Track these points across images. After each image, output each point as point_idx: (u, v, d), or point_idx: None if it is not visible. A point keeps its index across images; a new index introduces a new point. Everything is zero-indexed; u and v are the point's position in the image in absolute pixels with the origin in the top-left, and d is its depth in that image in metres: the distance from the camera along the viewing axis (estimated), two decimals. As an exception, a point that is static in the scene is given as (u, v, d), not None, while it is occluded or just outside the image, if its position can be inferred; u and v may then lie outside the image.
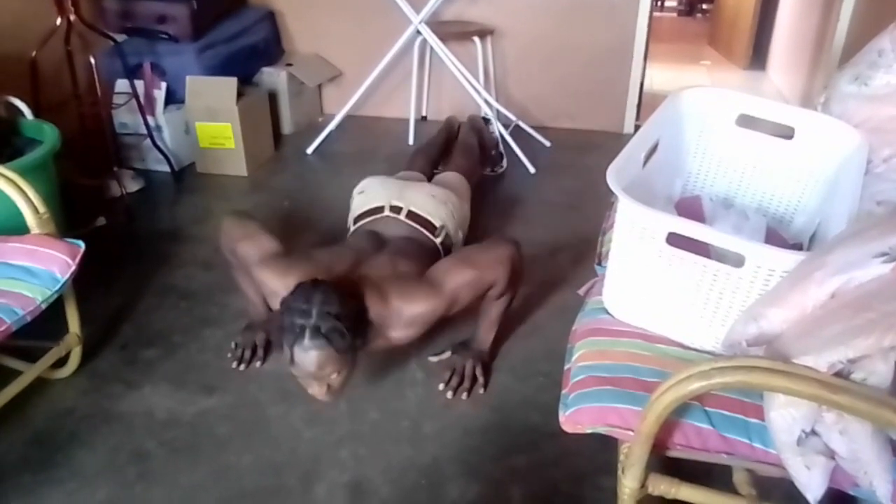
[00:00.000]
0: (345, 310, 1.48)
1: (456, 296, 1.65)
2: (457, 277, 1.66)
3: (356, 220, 2.08)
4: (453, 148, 2.87)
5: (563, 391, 1.27)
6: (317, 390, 1.53)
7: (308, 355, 1.45)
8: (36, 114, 2.49)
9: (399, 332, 1.64)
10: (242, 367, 1.91)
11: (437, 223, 2.02)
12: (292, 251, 1.76)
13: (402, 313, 1.61)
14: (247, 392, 1.84)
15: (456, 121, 3.09)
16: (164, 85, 3.11)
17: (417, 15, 3.25)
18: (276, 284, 1.64)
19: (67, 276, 1.65)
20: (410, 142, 3.55)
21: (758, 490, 1.18)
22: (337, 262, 1.71)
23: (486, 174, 3.08)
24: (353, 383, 1.85)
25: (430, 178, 2.41)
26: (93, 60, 2.73)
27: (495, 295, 1.77)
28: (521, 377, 1.89)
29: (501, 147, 3.19)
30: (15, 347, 1.75)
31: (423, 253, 1.90)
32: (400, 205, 2.03)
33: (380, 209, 2.03)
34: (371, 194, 2.11)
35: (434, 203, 2.07)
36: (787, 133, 1.62)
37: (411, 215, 2.01)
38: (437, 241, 2.01)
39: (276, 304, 1.58)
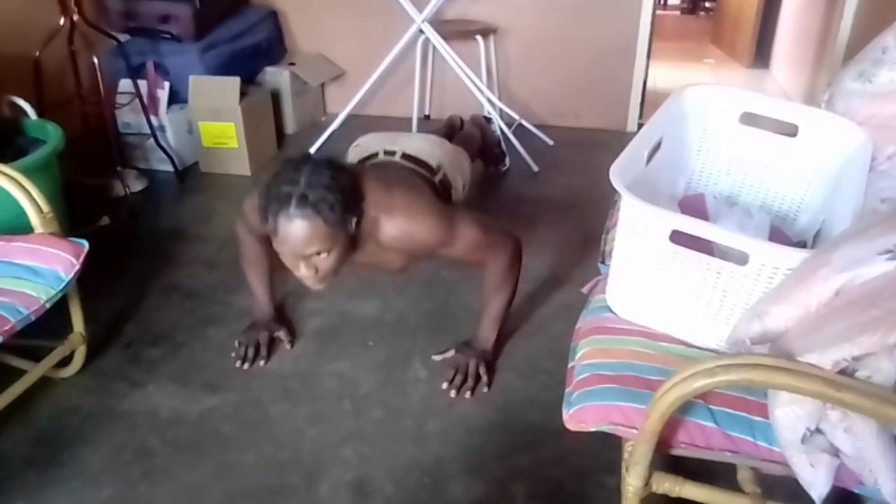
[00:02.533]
0: (337, 182, 1.42)
1: (455, 241, 1.63)
2: (467, 227, 1.64)
3: None
4: (454, 139, 2.86)
5: (567, 389, 1.26)
6: (304, 272, 1.48)
7: (293, 225, 1.39)
8: (39, 113, 2.50)
9: (388, 240, 1.58)
10: (246, 365, 1.92)
11: (434, 163, 1.98)
12: None
13: (402, 224, 1.57)
14: (250, 391, 1.84)
15: (458, 119, 3.08)
16: (167, 84, 3.11)
17: (420, 14, 3.24)
18: None
19: (71, 275, 1.65)
20: (413, 141, 3.54)
21: (762, 488, 1.18)
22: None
23: (489, 173, 3.08)
24: (357, 382, 1.85)
25: None
26: (96, 60, 2.73)
27: (493, 284, 1.78)
28: (524, 376, 1.89)
29: (504, 146, 3.18)
30: (19, 346, 1.76)
31: (427, 185, 1.86)
32: (394, 149, 1.99)
33: (374, 155, 2.00)
34: (364, 146, 2.08)
35: (428, 145, 2.04)
36: (790, 131, 1.62)
37: (406, 157, 1.96)
38: (436, 178, 1.96)
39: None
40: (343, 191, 1.44)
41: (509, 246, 1.76)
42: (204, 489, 1.55)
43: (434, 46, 3.43)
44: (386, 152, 1.98)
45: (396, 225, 1.58)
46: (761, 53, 5.23)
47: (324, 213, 1.40)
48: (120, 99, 3.06)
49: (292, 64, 3.67)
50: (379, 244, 1.62)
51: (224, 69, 3.22)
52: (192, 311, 2.18)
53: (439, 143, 2.11)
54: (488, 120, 3.18)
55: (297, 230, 1.40)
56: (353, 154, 2.10)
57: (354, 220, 1.51)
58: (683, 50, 5.83)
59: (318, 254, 1.46)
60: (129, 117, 3.12)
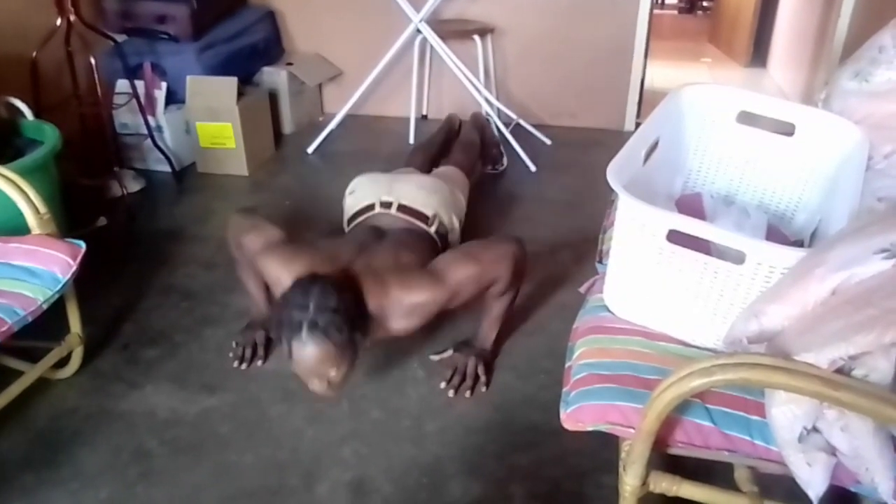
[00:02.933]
0: (343, 304, 1.48)
1: (457, 289, 1.65)
2: (460, 271, 1.66)
3: (349, 220, 2.09)
4: (454, 145, 2.87)
5: (565, 389, 1.27)
6: (317, 387, 1.53)
7: (306, 350, 1.45)
8: (36, 114, 2.50)
9: (399, 323, 1.64)
10: (244, 366, 1.92)
11: (429, 213, 2.01)
12: (295, 243, 1.77)
13: (403, 302, 1.61)
14: (248, 391, 1.84)
15: (457, 118, 3.09)
16: (164, 85, 3.11)
17: (417, 13, 3.25)
18: (280, 272, 1.65)
19: (68, 276, 1.65)
20: (411, 140, 3.55)
21: (759, 487, 1.18)
22: (339, 252, 1.72)
23: (487, 172, 3.08)
24: (355, 382, 1.85)
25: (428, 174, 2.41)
26: (93, 61, 2.73)
27: (497, 292, 1.77)
28: (522, 375, 1.89)
29: (502, 145, 3.18)
30: (17, 348, 1.76)
31: (421, 243, 1.90)
32: (390, 199, 2.02)
33: (371, 207, 2.03)
34: (361, 193, 2.11)
35: (424, 194, 2.07)
36: (787, 130, 1.62)
37: (402, 208, 2.00)
38: (432, 230, 2.00)
39: (279, 294, 1.59)
40: (348, 310, 1.50)
41: (509, 253, 1.74)
42: (202, 490, 1.55)
43: (431, 46, 3.44)
44: (382, 204, 2.01)
45: (400, 320, 1.64)
46: (759, 53, 5.24)
47: (333, 337, 1.46)
48: (117, 99, 3.06)
49: (290, 64, 3.67)
50: (389, 332, 1.67)
51: (221, 69, 3.22)
52: (189, 311, 2.17)
53: (435, 188, 2.13)
54: (486, 119, 3.18)
55: (309, 354, 1.46)
56: (350, 203, 2.13)
57: (361, 334, 1.56)
58: (681, 49, 5.84)
59: (330, 370, 1.51)
60: (126, 118, 3.12)
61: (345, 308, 1.48)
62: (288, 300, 1.49)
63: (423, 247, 1.88)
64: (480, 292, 1.75)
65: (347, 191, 2.19)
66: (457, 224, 2.15)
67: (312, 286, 1.48)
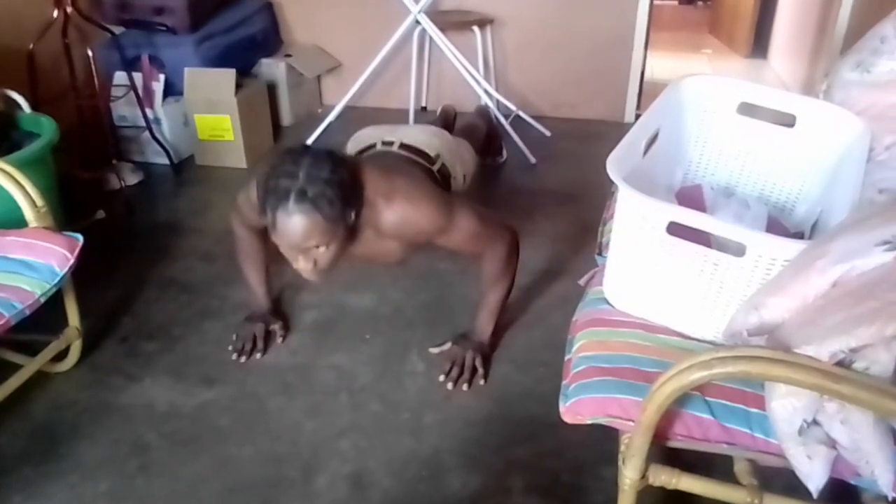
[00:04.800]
0: (336, 176, 1.41)
1: (453, 229, 1.62)
2: (465, 216, 1.64)
3: None
4: (454, 132, 2.85)
5: (564, 382, 1.26)
6: (302, 265, 1.48)
7: (292, 220, 1.38)
8: (34, 107, 2.48)
9: (388, 223, 1.57)
10: (243, 359, 1.91)
11: (432, 153, 1.97)
12: None
13: (401, 210, 1.56)
14: (247, 384, 1.83)
15: (452, 109, 3.07)
16: (162, 77, 3.09)
17: (416, 4, 3.23)
18: None
19: (66, 269, 1.64)
20: (410, 132, 3.53)
21: (759, 480, 1.18)
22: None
23: (487, 164, 3.07)
24: (354, 374, 1.85)
25: None
26: (90, 53, 2.72)
27: (491, 276, 1.78)
28: (521, 368, 1.88)
29: (502, 138, 3.17)
30: (15, 341, 1.76)
31: (424, 173, 1.85)
32: (391, 139, 1.98)
33: (372, 146, 1.99)
34: (362, 138, 2.07)
35: (426, 135, 2.03)
36: (788, 121, 1.61)
37: (404, 147, 1.96)
38: (434, 167, 1.95)
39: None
40: (342, 184, 1.43)
41: (506, 238, 1.76)
42: (201, 483, 1.55)
43: (430, 37, 3.42)
44: (384, 143, 1.98)
45: (395, 210, 1.57)
46: (759, 43, 5.21)
47: (323, 209, 1.39)
48: (115, 92, 3.05)
49: (288, 56, 3.65)
50: (377, 231, 1.61)
51: (219, 61, 3.20)
52: (188, 304, 2.17)
53: (438, 133, 2.10)
54: (487, 112, 3.17)
55: (295, 225, 1.39)
56: (351, 147, 2.10)
57: (353, 212, 1.51)
58: (681, 40, 5.81)
59: (317, 247, 1.46)
60: (124, 110, 3.11)
61: (339, 180, 1.40)
62: (276, 166, 1.40)
63: (428, 176, 1.84)
64: (463, 250, 1.73)
65: (351, 138, 2.14)
66: (461, 174, 2.09)
67: (304, 155, 1.41)
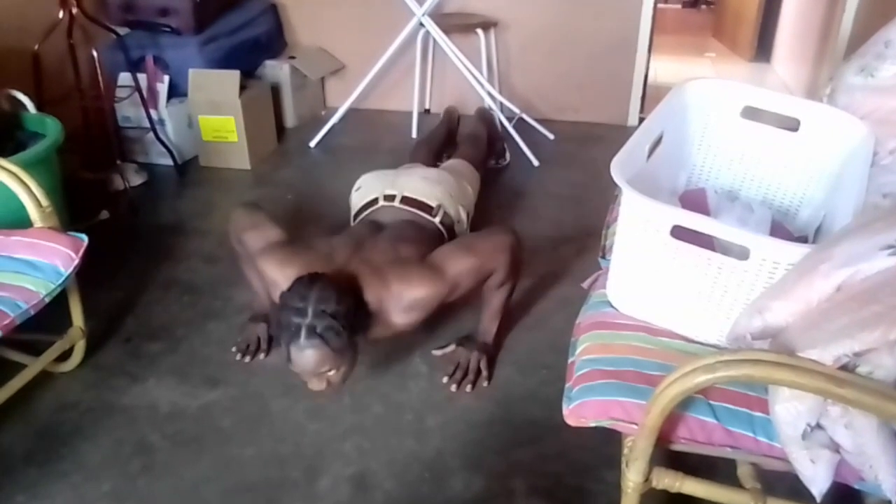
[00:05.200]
0: (342, 307, 1.47)
1: (457, 281, 1.65)
2: (458, 263, 1.66)
3: (356, 216, 2.10)
4: (458, 138, 2.86)
5: (567, 384, 1.26)
6: (316, 385, 1.54)
7: (304, 354, 1.46)
8: (39, 107, 2.49)
9: (399, 318, 1.64)
10: (246, 359, 1.92)
11: (433, 203, 2.01)
12: (294, 243, 1.77)
13: (403, 297, 1.61)
14: (250, 385, 1.84)
15: (455, 111, 3.08)
16: (166, 78, 3.10)
17: (420, 7, 3.23)
18: (276, 275, 1.65)
19: (71, 269, 1.65)
20: (413, 134, 3.54)
21: (762, 484, 1.18)
22: (337, 250, 1.71)
23: (490, 167, 3.08)
24: (356, 377, 1.85)
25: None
26: (95, 54, 2.73)
27: (496, 283, 1.78)
28: (524, 370, 1.89)
29: (504, 140, 3.18)
30: (19, 341, 1.76)
31: (423, 235, 1.89)
32: (393, 192, 2.03)
33: (374, 201, 2.04)
34: (366, 189, 2.12)
35: (427, 185, 2.07)
36: (792, 125, 1.61)
37: (406, 200, 2.00)
38: (436, 220, 2.00)
39: (276, 296, 1.59)
40: (348, 313, 1.49)
41: (506, 244, 1.74)
42: (204, 483, 1.55)
43: (434, 40, 3.42)
44: (386, 197, 2.02)
45: (400, 315, 1.63)
46: (763, 47, 5.21)
47: (331, 342, 1.46)
48: (119, 93, 3.06)
49: (292, 57, 3.66)
50: (389, 326, 1.66)
51: (224, 63, 3.21)
52: (191, 305, 2.17)
53: (440, 179, 2.13)
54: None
55: (307, 359, 1.46)
56: (356, 199, 2.14)
57: (360, 336, 1.56)
58: (685, 44, 5.81)
59: (329, 371, 1.51)
60: (128, 111, 3.11)
61: (344, 311, 1.48)
62: (286, 303, 1.48)
63: (426, 238, 1.88)
64: (479, 283, 1.75)
65: (354, 188, 2.20)
66: (464, 215, 2.14)
67: (310, 289, 1.47)
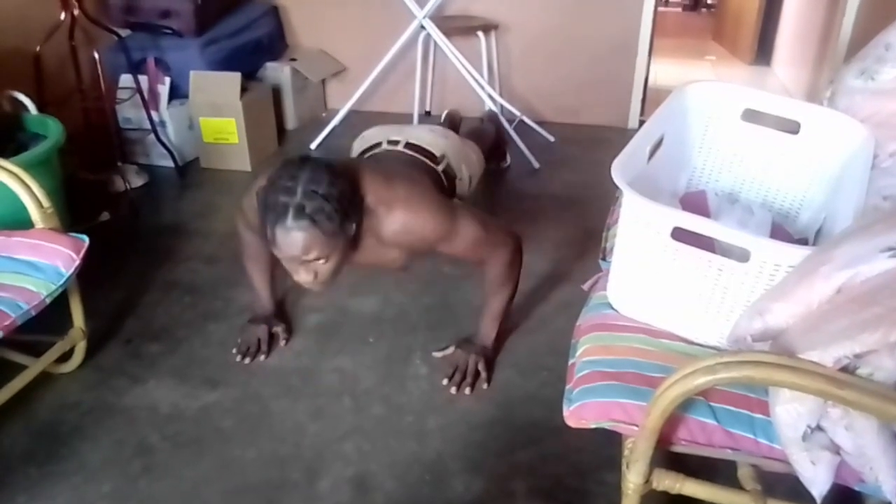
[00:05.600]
0: (334, 189, 1.39)
1: (455, 235, 1.61)
2: (467, 223, 1.63)
3: None
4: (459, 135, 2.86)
5: (568, 386, 1.26)
6: (303, 277, 1.47)
7: (290, 236, 1.38)
8: (40, 108, 2.50)
9: (389, 231, 1.56)
10: (247, 360, 1.91)
11: (437, 153, 1.96)
12: None
13: (402, 217, 1.55)
14: (251, 386, 1.84)
15: (457, 114, 3.08)
16: (167, 80, 3.11)
17: (421, 10, 3.24)
18: None
19: (72, 270, 1.65)
20: (414, 137, 3.54)
21: (763, 486, 1.18)
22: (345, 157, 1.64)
23: (491, 169, 3.07)
24: (357, 378, 1.85)
25: None
26: (97, 55, 2.73)
27: (493, 280, 1.77)
28: (525, 372, 1.89)
29: (507, 143, 3.18)
30: (19, 342, 1.76)
31: (429, 176, 1.85)
32: (397, 139, 1.98)
33: (377, 145, 1.99)
34: (368, 137, 2.07)
35: (433, 136, 2.03)
36: (792, 128, 1.61)
37: (409, 146, 1.95)
38: (439, 168, 1.95)
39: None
40: (341, 197, 1.41)
41: (510, 244, 1.75)
42: (204, 485, 1.55)
43: (435, 42, 3.43)
44: (389, 142, 1.98)
45: (396, 219, 1.57)
46: (763, 50, 5.23)
47: (321, 224, 1.38)
48: (120, 94, 3.06)
49: (293, 60, 3.66)
50: (379, 239, 1.60)
51: (225, 65, 3.22)
52: (192, 306, 2.18)
53: (444, 133, 2.10)
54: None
55: (294, 241, 1.39)
56: (357, 145, 2.10)
57: (353, 224, 1.50)
58: (685, 47, 5.83)
59: (317, 260, 1.45)
60: (129, 112, 3.12)
61: (336, 195, 1.39)
62: (274, 182, 1.40)
63: (432, 180, 1.83)
64: (466, 258, 1.72)
65: (358, 137, 2.14)
66: (466, 175, 2.08)
67: (301, 168, 1.40)
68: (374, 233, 1.59)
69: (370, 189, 1.54)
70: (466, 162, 2.11)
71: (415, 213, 1.58)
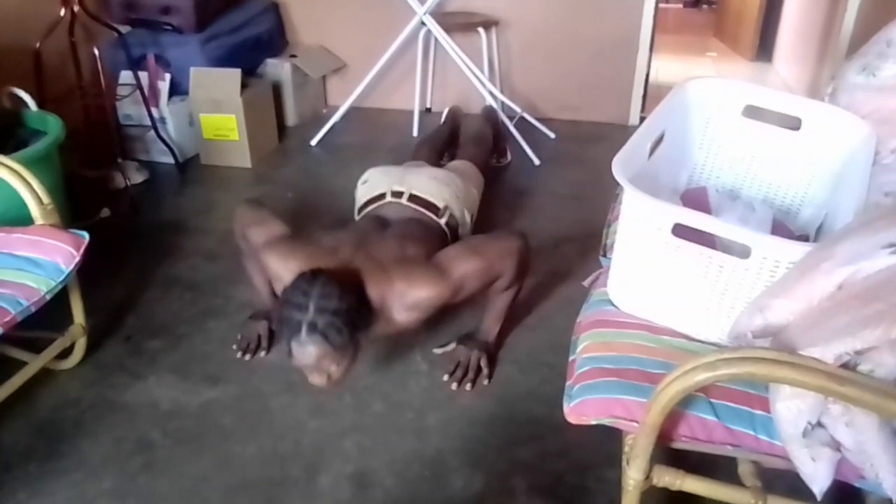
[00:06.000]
0: (344, 304, 1.47)
1: (462, 283, 1.64)
2: (464, 265, 1.65)
3: (360, 209, 2.09)
4: (461, 138, 2.86)
5: (568, 382, 1.26)
6: (317, 380, 1.53)
7: (305, 350, 1.45)
8: (40, 105, 2.49)
9: (401, 315, 1.63)
10: (247, 357, 1.92)
11: (440, 204, 2.00)
12: (298, 238, 1.76)
13: (406, 296, 1.60)
14: (251, 383, 1.84)
15: (460, 111, 3.08)
16: (168, 76, 3.10)
17: (422, 6, 3.23)
18: (280, 268, 1.64)
19: (72, 266, 1.65)
20: (415, 133, 3.54)
21: (763, 482, 1.18)
22: (341, 245, 1.71)
23: (491, 165, 3.07)
24: (358, 374, 1.85)
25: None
26: (97, 52, 2.73)
27: (501, 287, 1.77)
28: (525, 369, 1.89)
29: (507, 139, 3.18)
30: (20, 338, 1.76)
31: (428, 235, 1.89)
32: (401, 189, 2.02)
33: (382, 196, 2.03)
34: (373, 183, 2.11)
35: (436, 185, 2.06)
36: (794, 124, 1.61)
37: (413, 198, 1.99)
38: (442, 221, 1.99)
39: (279, 290, 1.58)
40: (349, 310, 1.48)
41: (514, 249, 1.73)
42: (204, 481, 1.55)
43: (436, 39, 3.43)
44: (393, 193, 2.01)
45: (403, 313, 1.62)
46: (764, 47, 5.21)
47: (332, 339, 1.45)
48: (121, 90, 3.06)
49: (293, 56, 3.66)
50: (391, 322, 1.65)
51: (225, 61, 3.21)
52: (192, 303, 2.18)
53: (448, 180, 2.12)
54: (492, 114, 3.17)
55: (308, 355, 1.46)
56: (362, 192, 2.13)
57: (362, 335, 1.55)
58: (686, 43, 5.82)
59: (329, 367, 1.51)
60: (129, 109, 3.12)
61: (346, 308, 1.47)
62: (288, 299, 1.48)
63: (431, 238, 1.87)
64: (485, 287, 1.74)
65: (360, 181, 2.18)
66: (468, 219, 2.14)
67: (312, 285, 1.47)
68: (385, 320, 1.64)
69: (372, 287, 1.59)
70: (469, 202, 2.15)
71: (419, 298, 1.61)
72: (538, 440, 1.65)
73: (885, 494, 0.97)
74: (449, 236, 2.00)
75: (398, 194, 2.01)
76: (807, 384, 0.90)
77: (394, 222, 1.92)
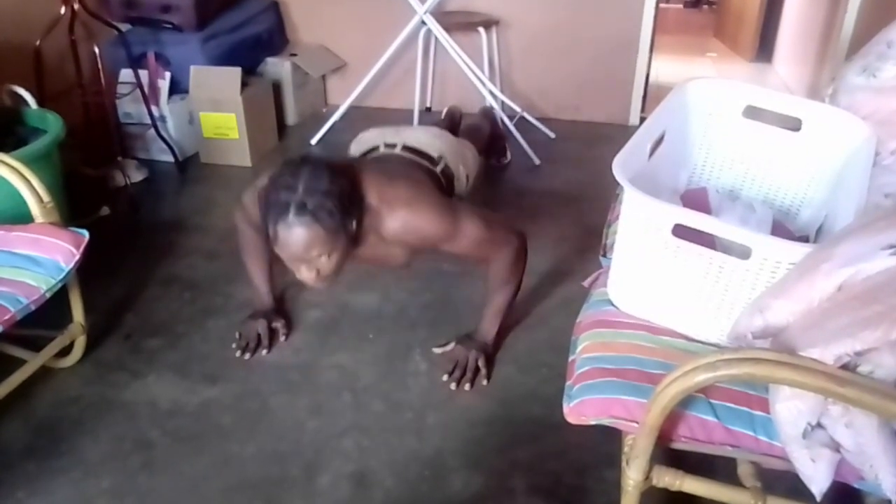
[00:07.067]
0: (335, 186, 1.41)
1: (459, 235, 1.61)
2: (471, 223, 1.63)
3: None
4: (458, 133, 2.86)
5: (568, 383, 1.26)
6: (305, 275, 1.49)
7: (292, 233, 1.39)
8: (40, 103, 2.49)
9: (391, 229, 1.57)
10: (247, 356, 1.92)
11: (435, 154, 1.97)
12: None
13: (405, 215, 1.55)
14: (251, 382, 1.84)
15: (458, 110, 3.07)
16: (168, 75, 3.10)
17: (422, 5, 3.23)
18: None
19: (71, 265, 1.65)
20: (414, 133, 3.54)
21: (762, 483, 1.18)
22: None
23: (491, 165, 3.07)
24: (358, 374, 1.85)
25: None
26: (97, 50, 2.72)
27: (497, 280, 1.77)
28: (525, 369, 1.89)
29: (507, 139, 3.17)
30: (19, 336, 1.76)
31: (429, 178, 1.85)
32: (395, 141, 1.99)
33: (375, 148, 2.00)
34: (365, 140, 2.08)
35: (428, 136, 2.03)
36: (794, 125, 1.61)
37: (406, 148, 1.96)
38: (437, 169, 1.95)
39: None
40: (342, 194, 1.43)
41: (513, 242, 1.75)
42: (204, 480, 1.55)
43: (436, 38, 3.42)
44: (386, 145, 1.98)
45: (398, 217, 1.58)
46: (764, 47, 5.22)
47: (322, 221, 1.40)
48: (121, 89, 3.05)
49: (294, 55, 3.66)
50: (381, 237, 1.61)
51: (225, 59, 3.21)
52: (192, 301, 2.17)
53: (441, 134, 2.10)
54: (491, 114, 3.17)
55: (296, 238, 1.40)
56: (355, 149, 2.10)
57: (354, 221, 1.51)
58: (686, 44, 5.82)
59: (319, 257, 1.46)
60: (129, 107, 3.12)
61: (337, 191, 1.41)
62: (275, 181, 1.42)
63: (433, 180, 1.83)
64: (469, 257, 1.72)
65: (354, 140, 2.14)
66: (464, 174, 2.09)
67: (303, 166, 1.41)
68: (376, 230, 1.59)
69: (372, 188, 1.55)
70: (463, 161, 2.11)
71: (417, 213, 1.58)
72: (537, 440, 1.65)
73: (885, 495, 0.97)
74: (445, 185, 1.95)
75: (391, 146, 1.97)
76: (806, 385, 0.90)
77: (393, 164, 1.88)
